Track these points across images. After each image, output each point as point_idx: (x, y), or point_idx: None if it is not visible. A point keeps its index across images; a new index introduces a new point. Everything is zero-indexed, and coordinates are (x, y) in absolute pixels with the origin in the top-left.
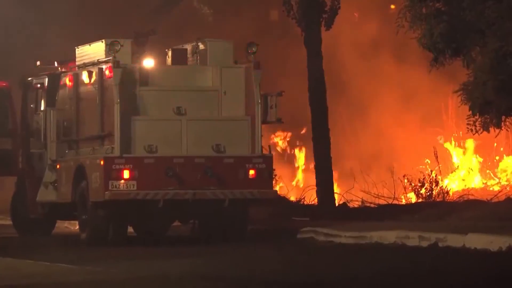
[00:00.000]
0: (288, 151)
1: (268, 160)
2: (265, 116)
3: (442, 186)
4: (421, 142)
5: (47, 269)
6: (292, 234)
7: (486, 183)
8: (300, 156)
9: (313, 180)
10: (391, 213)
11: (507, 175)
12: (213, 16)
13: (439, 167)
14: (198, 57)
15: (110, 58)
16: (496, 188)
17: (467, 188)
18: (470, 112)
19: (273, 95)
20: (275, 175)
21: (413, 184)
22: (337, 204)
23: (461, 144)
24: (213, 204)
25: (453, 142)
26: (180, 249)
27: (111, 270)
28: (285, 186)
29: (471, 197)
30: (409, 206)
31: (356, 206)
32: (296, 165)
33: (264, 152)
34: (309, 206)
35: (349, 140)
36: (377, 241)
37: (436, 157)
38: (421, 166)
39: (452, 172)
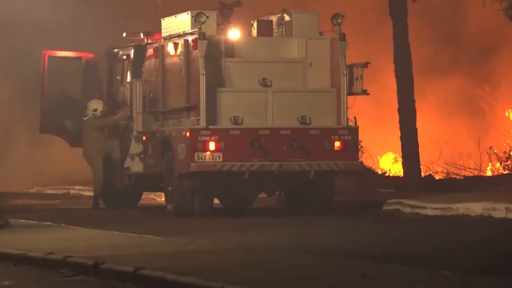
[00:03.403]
0: None
1: (353, 131)
2: (350, 87)
3: None
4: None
5: (133, 240)
6: (377, 206)
7: None
8: None
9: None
10: (477, 185)
11: None
12: None
13: None
14: (284, 29)
15: (196, 29)
16: None
17: None
18: None
19: (358, 66)
20: (361, 146)
21: (499, 156)
22: (422, 176)
23: None
24: (298, 176)
25: None
26: (266, 221)
27: (197, 241)
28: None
29: None
30: (495, 177)
31: (441, 177)
32: None
33: (350, 124)
34: (395, 178)
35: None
36: (463, 213)
37: None
38: (508, 145)
39: None
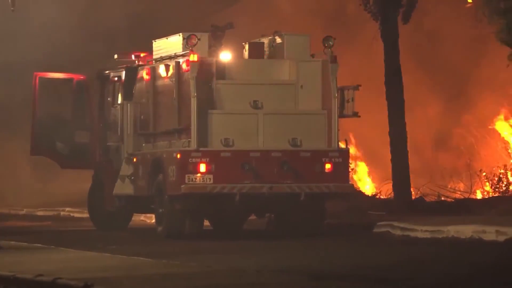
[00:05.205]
0: None
1: (344, 154)
2: (341, 110)
3: None
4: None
5: (123, 262)
6: (368, 228)
7: None
8: None
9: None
10: (467, 208)
11: None
12: (288, 8)
13: None
14: (275, 51)
15: (187, 51)
16: None
17: None
18: None
19: (350, 88)
20: (352, 169)
21: (489, 177)
22: (413, 198)
23: None
24: (289, 198)
25: None
26: (256, 243)
27: (188, 263)
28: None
29: None
30: (486, 200)
31: (432, 200)
32: None
33: (341, 146)
34: (385, 200)
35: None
36: (454, 235)
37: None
38: (498, 168)
39: None
